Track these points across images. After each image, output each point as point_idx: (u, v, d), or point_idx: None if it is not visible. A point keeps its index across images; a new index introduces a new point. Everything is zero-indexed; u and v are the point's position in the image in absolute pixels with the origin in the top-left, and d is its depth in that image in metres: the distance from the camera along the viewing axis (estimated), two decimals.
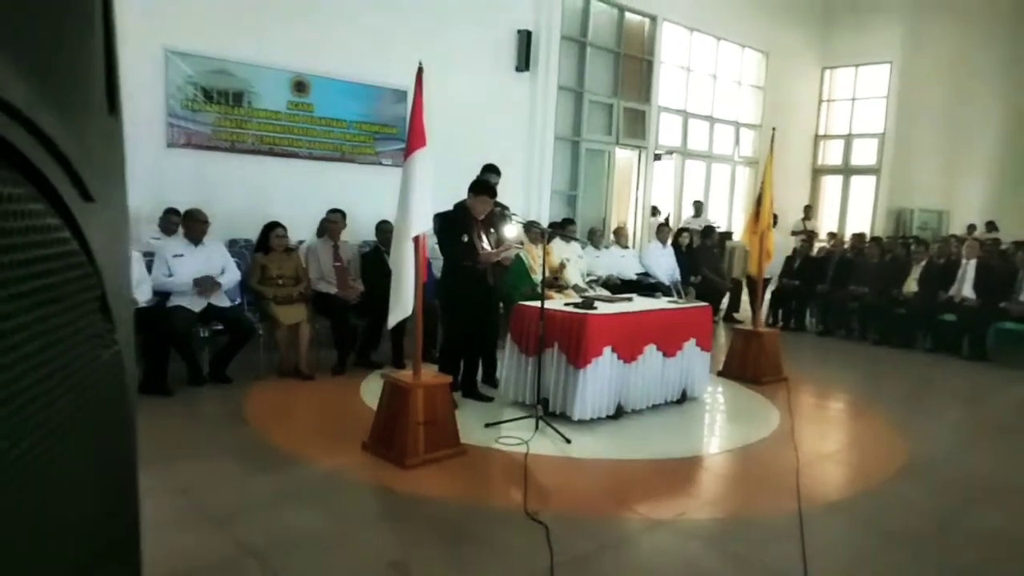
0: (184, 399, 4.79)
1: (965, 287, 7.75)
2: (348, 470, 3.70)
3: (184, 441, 4.08)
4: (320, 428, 4.44)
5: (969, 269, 7.81)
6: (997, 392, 6.43)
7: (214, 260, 5.33)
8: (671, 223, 10.65)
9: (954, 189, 14.30)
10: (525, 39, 8.84)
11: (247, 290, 5.58)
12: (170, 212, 5.90)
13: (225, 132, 6.56)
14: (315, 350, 5.63)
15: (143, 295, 4.93)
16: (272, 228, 5.61)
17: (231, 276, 5.38)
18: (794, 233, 11.64)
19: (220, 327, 5.21)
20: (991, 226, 13.75)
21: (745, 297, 9.55)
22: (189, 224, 5.30)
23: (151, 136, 6.10)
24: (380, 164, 7.61)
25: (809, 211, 12.93)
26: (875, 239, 9.96)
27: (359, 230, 6.65)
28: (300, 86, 6.99)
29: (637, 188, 10.96)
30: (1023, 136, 15.07)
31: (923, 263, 8.21)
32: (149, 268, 5.13)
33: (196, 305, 5.08)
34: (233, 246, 6.22)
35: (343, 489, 3.51)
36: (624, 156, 10.72)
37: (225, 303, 5.30)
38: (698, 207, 11.27)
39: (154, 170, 6.12)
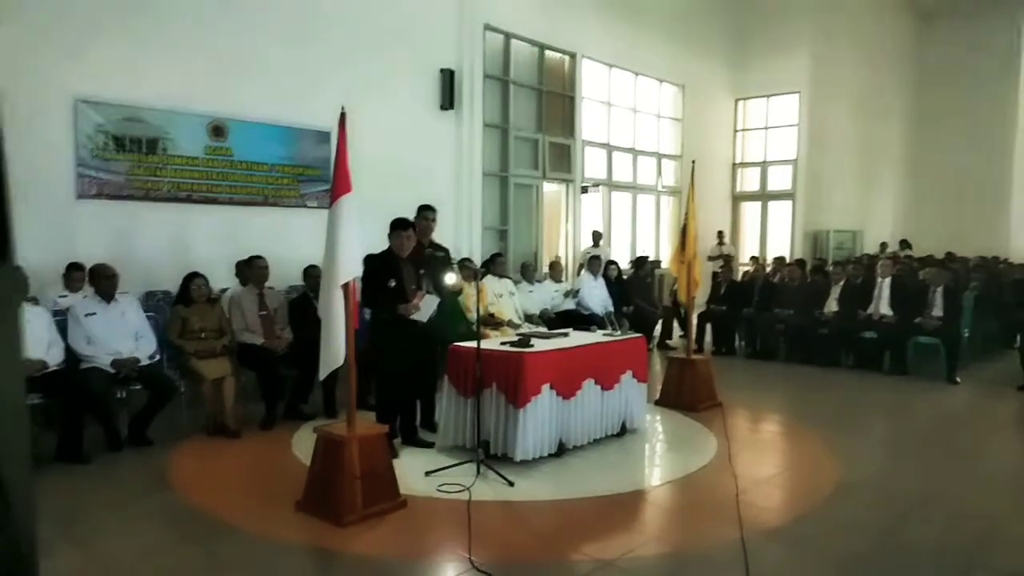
0: (102, 466, 4.49)
1: (882, 305, 8.08)
2: (282, 533, 3.51)
3: (103, 512, 3.80)
4: (250, 489, 4.21)
5: (884, 287, 8.15)
6: (918, 404, 6.69)
7: (128, 318, 5.04)
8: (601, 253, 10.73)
9: (866, 209, 15.05)
10: (448, 78, 8.90)
11: (167, 345, 5.29)
12: (73, 267, 5.56)
13: (139, 180, 6.32)
14: (242, 404, 5.39)
15: (54, 358, 4.63)
16: (192, 279, 5.36)
17: (147, 347, 5.06)
18: (711, 258, 11.93)
19: (138, 386, 4.92)
20: (904, 244, 14.43)
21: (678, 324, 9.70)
22: (96, 281, 5.02)
23: (59, 188, 5.83)
24: (305, 206, 7.46)
25: (722, 236, 13.27)
26: (797, 262, 10.31)
27: (285, 275, 6.45)
28: (218, 130, 6.81)
29: (567, 220, 11.09)
30: (926, 154, 16.06)
31: (841, 283, 8.53)
32: (60, 327, 4.83)
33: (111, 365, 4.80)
34: (151, 299, 5.95)
35: (277, 554, 3.33)
36: (552, 190, 10.86)
37: (143, 360, 5.02)
38: (596, 237, 10.82)
39: (62, 223, 5.83)
